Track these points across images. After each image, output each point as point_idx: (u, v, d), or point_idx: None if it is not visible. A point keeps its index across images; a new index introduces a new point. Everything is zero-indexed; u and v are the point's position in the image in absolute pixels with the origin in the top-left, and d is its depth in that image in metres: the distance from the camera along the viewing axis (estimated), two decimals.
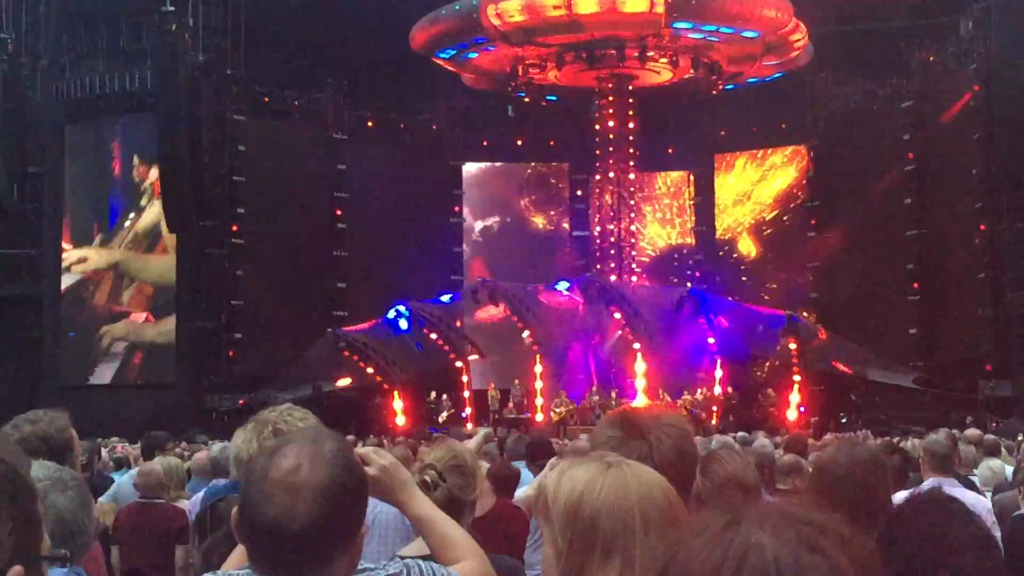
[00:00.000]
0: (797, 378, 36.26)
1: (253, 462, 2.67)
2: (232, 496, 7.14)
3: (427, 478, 4.27)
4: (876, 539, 4.20)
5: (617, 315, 37.27)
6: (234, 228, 39.71)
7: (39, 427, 4.61)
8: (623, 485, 2.55)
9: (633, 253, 43.52)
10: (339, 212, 43.15)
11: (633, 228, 43.84)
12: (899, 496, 7.39)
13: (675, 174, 46.59)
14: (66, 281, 41.66)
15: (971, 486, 9.01)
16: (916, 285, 39.08)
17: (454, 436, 24.65)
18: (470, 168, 47.09)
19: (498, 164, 47.12)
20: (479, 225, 47.21)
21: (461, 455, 4.45)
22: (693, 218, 46.23)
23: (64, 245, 41.89)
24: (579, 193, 46.68)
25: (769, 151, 44.70)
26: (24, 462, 2.03)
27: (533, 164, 47.02)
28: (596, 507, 2.52)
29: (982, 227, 35.94)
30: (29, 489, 1.92)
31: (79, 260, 41.65)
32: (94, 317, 41.58)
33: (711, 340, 36.73)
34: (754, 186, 45.08)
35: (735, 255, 45.39)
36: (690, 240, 46.19)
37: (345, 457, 2.59)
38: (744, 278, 44.59)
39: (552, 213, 47.12)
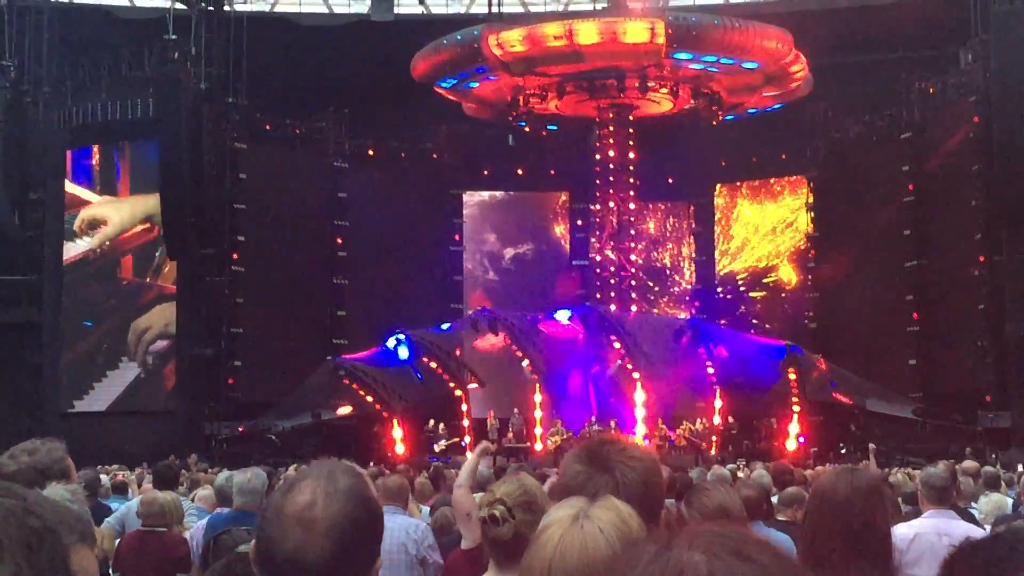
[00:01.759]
0: (796, 408, 36.23)
1: (269, 498, 2.72)
2: (235, 528, 7.14)
3: (496, 512, 4.24)
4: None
5: (617, 344, 37.27)
6: (234, 255, 39.72)
7: (37, 458, 4.59)
8: (567, 545, 2.56)
9: (633, 282, 43.49)
10: (339, 240, 43.19)
11: (632, 257, 43.81)
12: (897, 529, 7.40)
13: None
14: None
15: (970, 519, 9.01)
16: (915, 316, 39.08)
17: (454, 465, 24.65)
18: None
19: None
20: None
21: (532, 491, 4.39)
22: (694, 248, 46.29)
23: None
24: (579, 222, 46.74)
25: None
26: (60, 524, 1.97)
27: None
28: (544, 557, 2.54)
29: (981, 258, 35.97)
30: (57, 554, 1.83)
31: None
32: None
33: (711, 370, 36.73)
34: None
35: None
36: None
37: (360, 493, 2.62)
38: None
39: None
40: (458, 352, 39.50)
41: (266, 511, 2.61)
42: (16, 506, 1.78)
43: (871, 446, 25.45)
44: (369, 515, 2.61)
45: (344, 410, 38.53)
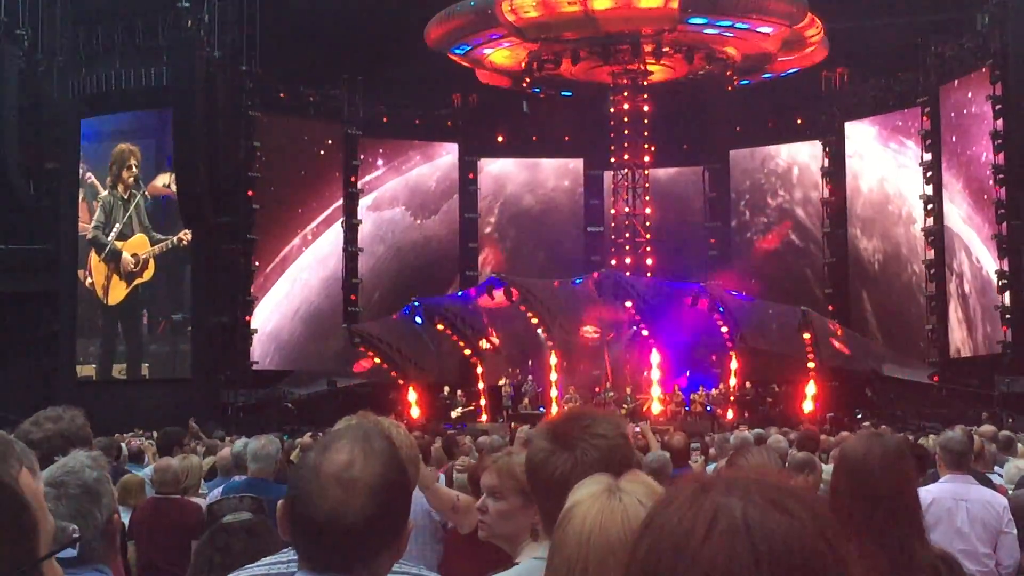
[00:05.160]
0: (812, 374, 36.13)
1: (304, 457, 2.73)
2: (225, 499, 7.10)
3: None
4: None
5: (632, 310, 37.21)
6: (249, 223, 39.76)
7: (61, 425, 4.67)
8: (608, 518, 2.54)
9: (648, 248, 43.36)
10: (354, 207, 43.20)
11: (647, 223, 43.66)
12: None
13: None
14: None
15: (988, 483, 8.96)
16: (931, 280, 38.99)
17: (469, 432, 24.69)
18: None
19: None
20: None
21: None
22: (708, 212, 46.13)
23: None
24: (594, 188, 46.59)
25: None
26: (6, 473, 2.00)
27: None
28: (580, 531, 2.56)
29: (996, 222, 35.81)
30: (8, 498, 1.84)
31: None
32: None
33: (724, 329, 36.61)
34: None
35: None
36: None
37: (394, 454, 2.66)
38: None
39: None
40: (473, 319, 39.21)
41: (301, 471, 2.64)
42: None
43: (864, 424, 25.52)
44: (403, 476, 2.65)
45: (358, 377, 38.57)
